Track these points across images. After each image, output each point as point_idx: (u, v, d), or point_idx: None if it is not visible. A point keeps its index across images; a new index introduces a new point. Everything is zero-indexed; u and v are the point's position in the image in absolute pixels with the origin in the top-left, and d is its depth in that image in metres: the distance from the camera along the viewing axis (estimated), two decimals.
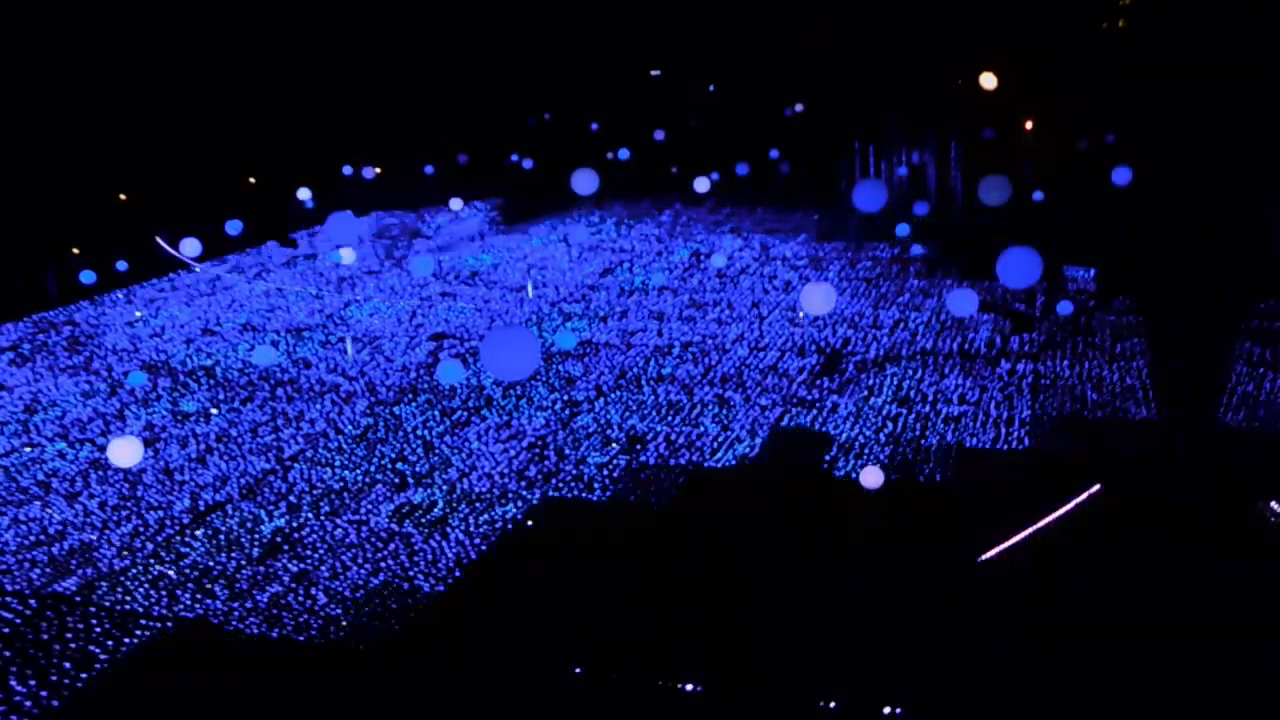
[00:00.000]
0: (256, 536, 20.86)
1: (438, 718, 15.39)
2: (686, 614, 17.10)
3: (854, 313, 34.24)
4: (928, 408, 25.98)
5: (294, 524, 21.27)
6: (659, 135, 51.69)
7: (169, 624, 17.78)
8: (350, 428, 26.45)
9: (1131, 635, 15.71)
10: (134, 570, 19.69)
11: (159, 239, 45.91)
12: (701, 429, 25.30)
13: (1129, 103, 48.15)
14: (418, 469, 23.71)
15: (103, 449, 24.70)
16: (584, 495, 22.21)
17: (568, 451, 24.30)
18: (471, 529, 20.78)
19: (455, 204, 46.68)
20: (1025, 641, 15.78)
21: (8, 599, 18.76)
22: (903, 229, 38.16)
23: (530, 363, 12.48)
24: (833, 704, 14.65)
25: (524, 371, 12.69)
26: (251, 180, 52.83)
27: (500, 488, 22.52)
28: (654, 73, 64.18)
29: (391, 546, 20.16)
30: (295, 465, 24.29)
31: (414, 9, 56.87)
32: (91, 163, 45.74)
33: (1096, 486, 20.05)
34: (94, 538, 21.00)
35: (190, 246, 35.31)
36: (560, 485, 22.57)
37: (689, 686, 15.22)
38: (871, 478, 19.25)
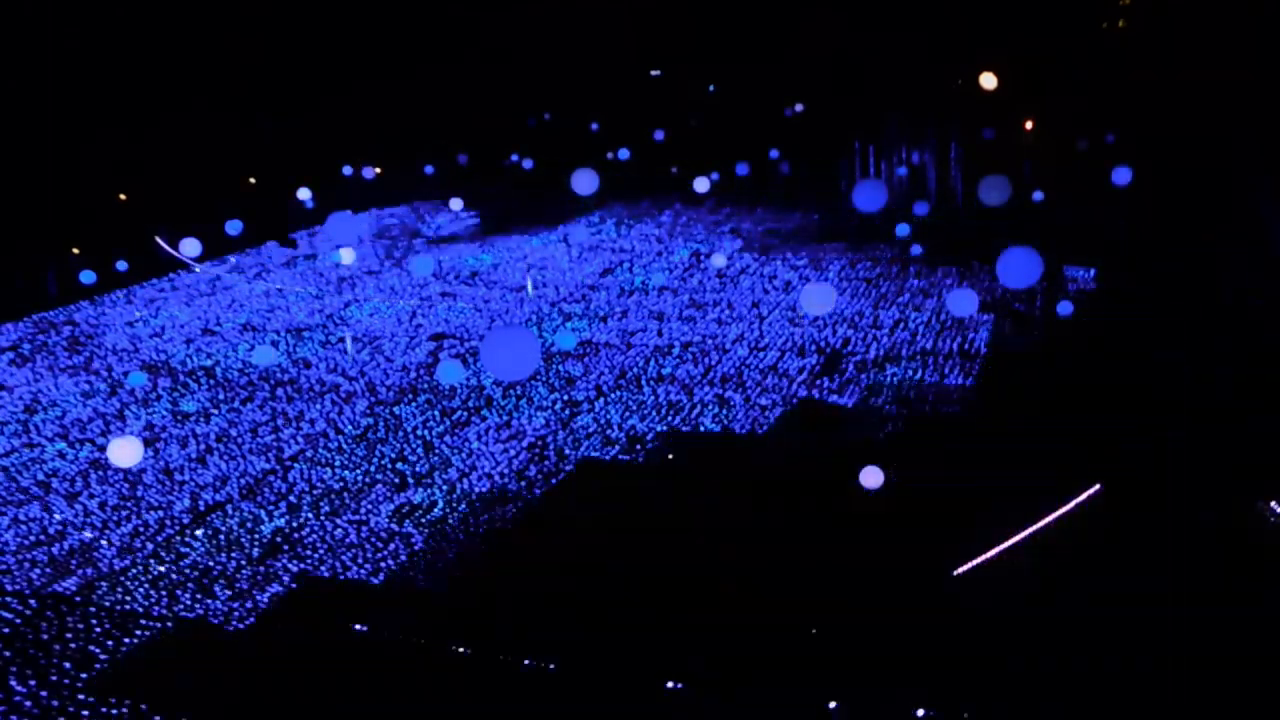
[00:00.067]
0: (256, 536, 20.87)
1: (438, 717, 15.39)
2: (687, 614, 17.10)
3: (854, 313, 34.25)
4: (928, 407, 26.04)
5: (294, 524, 21.28)
6: (659, 135, 51.71)
7: (169, 624, 17.80)
8: (350, 428, 26.46)
9: (1131, 635, 15.70)
10: (134, 570, 19.71)
11: (159, 239, 45.95)
12: (701, 428, 25.33)
13: (1129, 103, 48.14)
14: (418, 469, 23.72)
15: (103, 449, 24.73)
16: (585, 496, 22.23)
17: (568, 451, 24.32)
18: (471, 528, 20.80)
19: (455, 204, 46.69)
20: (1025, 641, 15.78)
21: (8, 599, 18.78)
22: (903, 229, 38.15)
23: (530, 363, 12.50)
24: (832, 704, 14.65)
25: (524, 371, 12.70)
26: (251, 180, 52.85)
27: (500, 488, 22.54)
28: (654, 73, 64.18)
29: (391, 546, 20.17)
30: (295, 465, 24.31)
31: (414, 9, 56.89)
32: (91, 163, 45.75)
33: (1096, 486, 20.04)
34: (95, 535, 21.02)
35: (190, 246, 35.34)
36: (561, 485, 22.61)
37: (687, 687, 15.23)
38: (871, 478, 19.25)
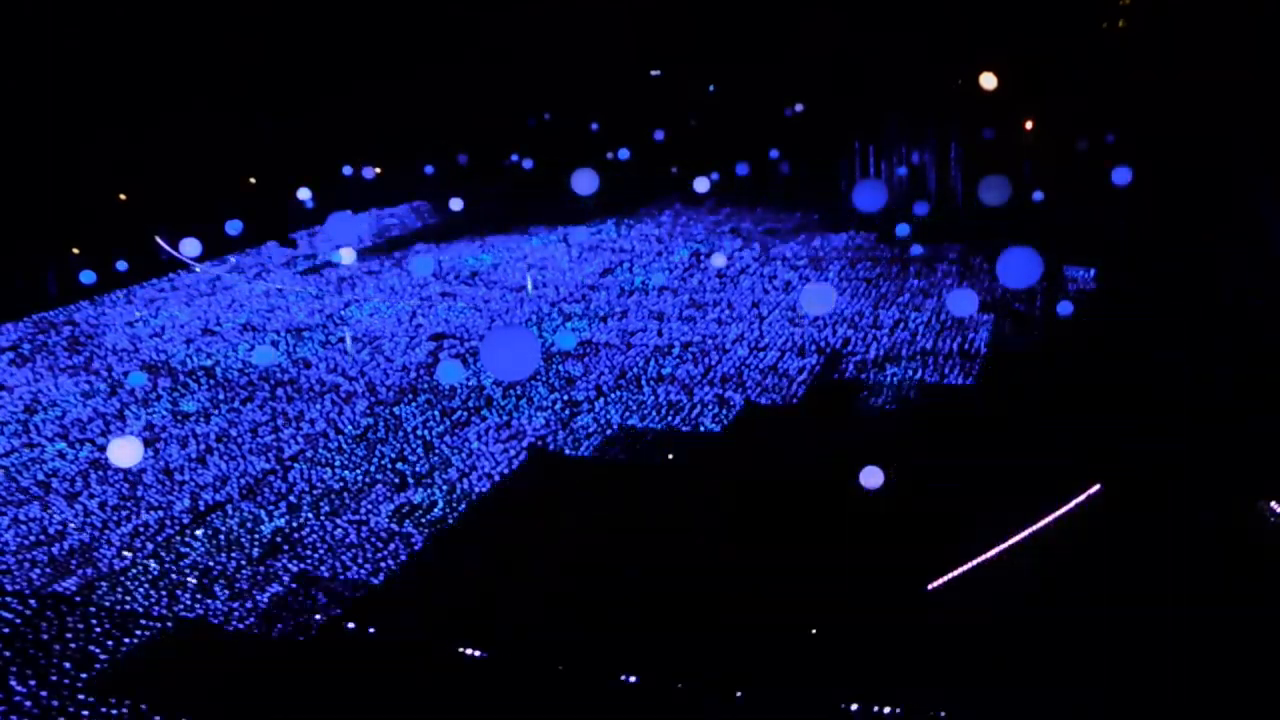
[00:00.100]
0: (256, 536, 20.87)
1: (438, 717, 15.38)
2: (687, 615, 17.10)
3: (854, 313, 34.25)
4: (928, 407, 26.03)
5: (294, 524, 21.28)
6: (659, 135, 51.74)
7: (169, 624, 17.80)
8: (350, 428, 26.45)
9: (1131, 636, 15.70)
10: (134, 570, 19.71)
11: (159, 239, 45.97)
12: (701, 429, 25.33)
13: (1129, 103, 48.18)
14: (418, 469, 23.72)
15: (103, 449, 24.73)
16: (585, 496, 22.23)
17: (568, 451, 24.31)
18: (471, 528, 20.80)
19: (455, 204, 46.71)
20: (1025, 641, 15.77)
21: (8, 599, 18.78)
22: (903, 229, 38.16)
23: (530, 363, 12.51)
24: (839, 705, 14.65)
25: (524, 371, 12.71)
26: (251, 180, 52.88)
27: (500, 488, 22.53)
28: (654, 73, 64.22)
29: (391, 546, 20.17)
30: (295, 465, 24.31)
31: (414, 9, 56.93)
32: (91, 163, 45.78)
33: (1096, 486, 20.04)
34: (94, 535, 21.01)
35: (190, 246, 35.35)
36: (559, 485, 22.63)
37: (687, 687, 15.23)
38: (871, 478, 19.25)
